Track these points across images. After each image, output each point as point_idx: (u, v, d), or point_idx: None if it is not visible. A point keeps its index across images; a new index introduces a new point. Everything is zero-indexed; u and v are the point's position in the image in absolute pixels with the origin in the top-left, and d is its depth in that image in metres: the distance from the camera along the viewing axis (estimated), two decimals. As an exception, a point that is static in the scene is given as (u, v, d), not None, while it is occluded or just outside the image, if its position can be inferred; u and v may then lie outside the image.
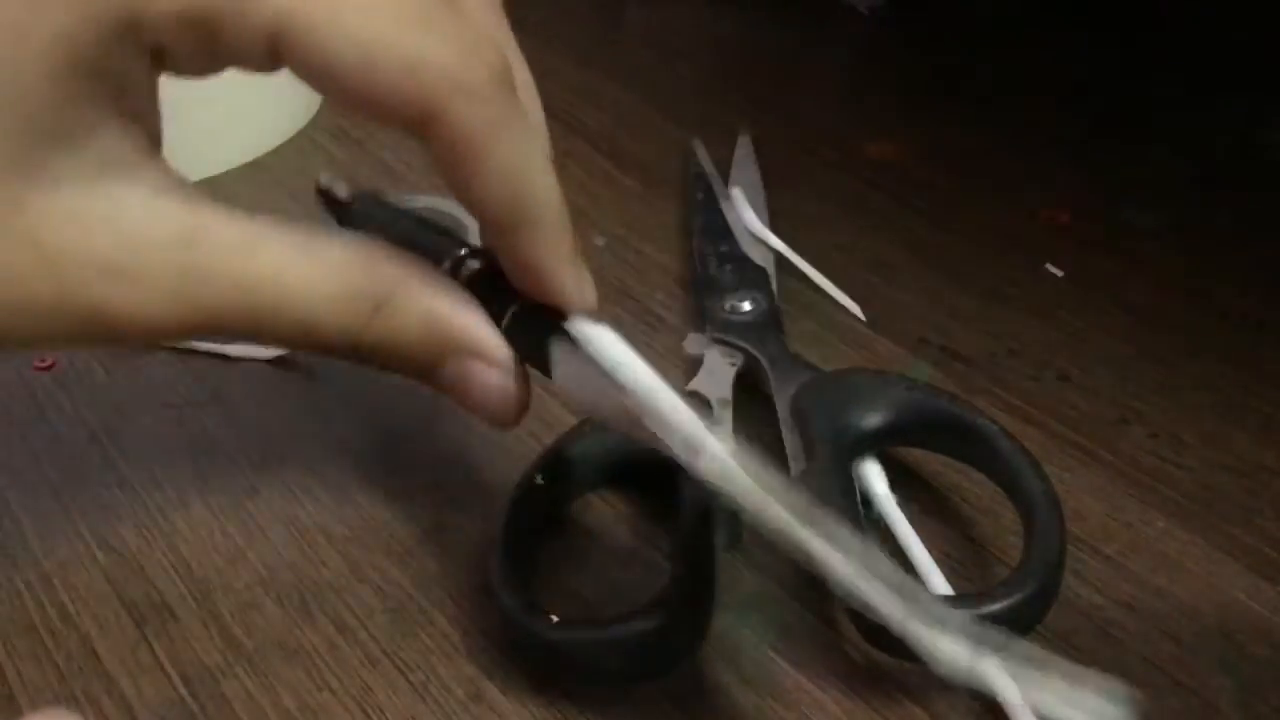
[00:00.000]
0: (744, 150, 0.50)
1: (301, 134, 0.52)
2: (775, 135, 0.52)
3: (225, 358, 0.39)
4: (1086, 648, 0.30)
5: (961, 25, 0.61)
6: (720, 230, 0.44)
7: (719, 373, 0.37)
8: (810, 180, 0.49)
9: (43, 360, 0.39)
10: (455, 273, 0.28)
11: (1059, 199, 0.48)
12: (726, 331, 0.39)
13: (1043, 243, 0.45)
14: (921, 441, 0.34)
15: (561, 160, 0.49)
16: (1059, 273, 0.44)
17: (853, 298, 0.42)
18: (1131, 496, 0.35)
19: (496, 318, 0.28)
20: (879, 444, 0.34)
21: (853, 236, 0.46)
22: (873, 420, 0.33)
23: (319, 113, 0.53)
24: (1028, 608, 0.29)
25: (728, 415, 0.35)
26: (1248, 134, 0.51)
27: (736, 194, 0.46)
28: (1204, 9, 0.56)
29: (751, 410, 0.36)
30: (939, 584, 0.31)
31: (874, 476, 0.33)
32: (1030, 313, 0.42)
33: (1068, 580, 0.31)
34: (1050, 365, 0.40)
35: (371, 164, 0.50)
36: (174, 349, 0.40)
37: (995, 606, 0.28)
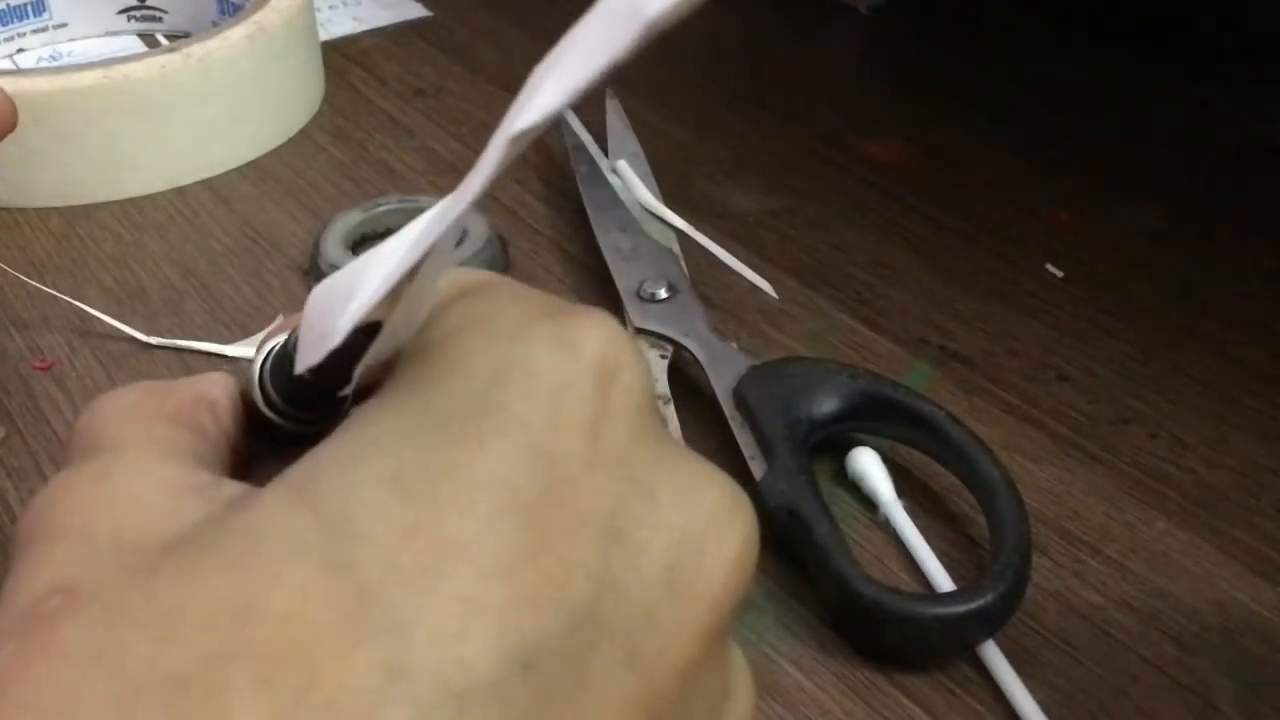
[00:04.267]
0: (615, 115, 0.45)
1: (301, 134, 0.52)
2: (775, 134, 0.52)
3: (225, 358, 0.39)
4: (1086, 648, 0.30)
5: (961, 25, 0.61)
6: (613, 206, 0.41)
7: (651, 367, 0.36)
8: (809, 180, 0.49)
9: (43, 360, 0.39)
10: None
11: (1059, 199, 0.48)
12: (649, 321, 0.37)
13: (1043, 243, 0.45)
14: (874, 429, 0.34)
15: (562, 160, 0.49)
16: (1059, 273, 0.44)
17: (853, 298, 0.42)
18: (1131, 496, 0.35)
19: None
20: (832, 431, 0.34)
21: (853, 236, 0.46)
22: (824, 409, 0.33)
23: (319, 113, 0.53)
24: (1009, 598, 0.29)
25: (671, 412, 0.34)
26: (1248, 134, 0.51)
27: (623, 167, 0.42)
28: (1205, 8, 0.56)
29: (693, 404, 0.36)
30: (944, 582, 0.31)
31: (880, 481, 0.33)
32: (1030, 313, 0.42)
33: (1068, 580, 0.31)
34: (1050, 365, 0.40)
35: (372, 164, 0.50)
36: (174, 349, 0.40)
37: (982, 601, 0.29)
